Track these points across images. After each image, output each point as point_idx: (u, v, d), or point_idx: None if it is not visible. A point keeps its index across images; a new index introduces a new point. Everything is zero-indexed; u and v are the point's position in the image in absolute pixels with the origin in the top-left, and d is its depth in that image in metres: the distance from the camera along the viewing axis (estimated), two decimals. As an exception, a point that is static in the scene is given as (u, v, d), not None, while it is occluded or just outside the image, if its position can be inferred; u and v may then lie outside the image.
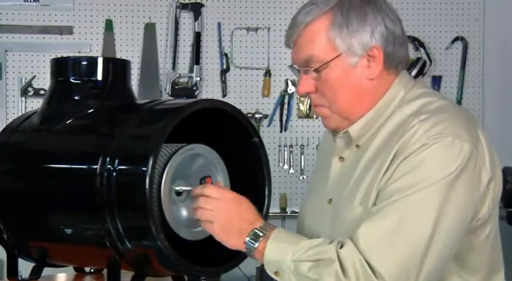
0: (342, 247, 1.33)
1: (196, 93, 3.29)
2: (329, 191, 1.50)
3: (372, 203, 1.38)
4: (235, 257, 1.52)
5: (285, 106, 3.35)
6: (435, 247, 1.32)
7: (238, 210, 1.42)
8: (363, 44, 1.42)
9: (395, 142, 1.39)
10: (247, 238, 1.40)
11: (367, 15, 1.42)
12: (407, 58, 1.50)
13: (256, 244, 1.39)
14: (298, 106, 3.36)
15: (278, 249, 1.37)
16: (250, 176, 1.65)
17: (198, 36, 3.31)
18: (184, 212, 1.54)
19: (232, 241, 1.42)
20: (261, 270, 2.80)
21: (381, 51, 1.42)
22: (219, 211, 1.42)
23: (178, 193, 1.55)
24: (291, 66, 1.52)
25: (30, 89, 3.23)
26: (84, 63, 1.67)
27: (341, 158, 1.50)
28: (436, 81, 3.43)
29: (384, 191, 1.36)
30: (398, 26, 1.45)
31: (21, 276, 1.68)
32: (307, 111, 3.36)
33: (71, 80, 1.64)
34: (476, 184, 1.37)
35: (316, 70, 1.44)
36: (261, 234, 1.40)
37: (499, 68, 3.41)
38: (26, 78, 3.24)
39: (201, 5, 3.32)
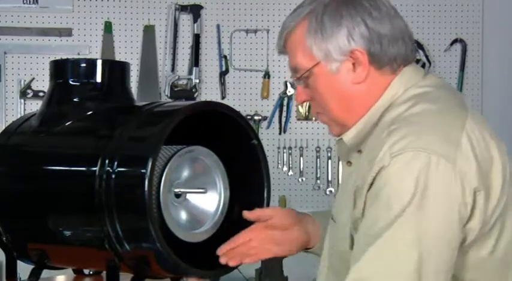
0: None
1: (195, 95, 3.29)
2: (336, 203, 1.46)
3: (347, 226, 1.34)
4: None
5: (284, 108, 3.35)
6: (427, 278, 1.22)
7: None
8: (340, 49, 1.35)
9: (368, 155, 1.31)
10: None
11: (342, 18, 1.35)
12: (405, 54, 1.39)
13: None
14: (298, 108, 3.36)
15: None
16: (249, 178, 1.65)
17: (197, 38, 3.31)
18: (183, 214, 1.54)
19: None
20: (260, 272, 2.80)
21: (364, 53, 1.34)
22: None
23: (177, 195, 1.54)
24: None
25: (29, 91, 3.22)
26: (83, 65, 1.66)
27: (349, 163, 1.44)
28: (435, 83, 3.43)
29: (362, 222, 1.28)
30: (387, 24, 1.36)
31: (20, 278, 1.68)
32: (307, 114, 3.36)
33: (70, 82, 1.64)
34: (455, 195, 1.24)
35: (302, 79, 1.40)
36: None
37: (498, 70, 3.41)
38: (25, 80, 3.23)
39: (200, 7, 3.32)
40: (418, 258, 1.22)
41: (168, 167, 1.49)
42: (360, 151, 1.40)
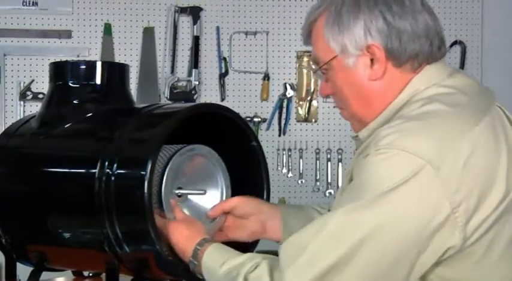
0: (253, 270, 1.26)
1: (194, 97, 3.29)
2: None
3: None
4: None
5: (284, 110, 3.35)
6: (354, 266, 1.17)
7: (176, 238, 1.44)
8: (356, 43, 1.30)
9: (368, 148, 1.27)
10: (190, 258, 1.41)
11: (360, 11, 1.30)
12: (429, 51, 1.33)
13: (196, 261, 1.40)
14: (297, 110, 3.36)
15: (212, 260, 1.37)
16: (249, 180, 1.65)
17: (196, 40, 3.31)
18: (186, 213, 1.54)
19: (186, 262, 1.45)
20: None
21: (381, 49, 1.30)
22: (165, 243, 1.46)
23: (179, 195, 1.55)
24: None
25: (28, 93, 3.22)
26: (83, 67, 1.66)
27: None
28: (435, 85, 3.43)
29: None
30: (409, 19, 1.30)
31: (20, 280, 1.68)
32: (306, 115, 3.35)
33: (70, 84, 1.64)
34: (427, 206, 1.17)
35: (322, 72, 1.37)
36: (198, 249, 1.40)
37: (497, 72, 3.41)
38: (24, 82, 3.23)
39: (200, 9, 3.32)
40: (352, 249, 1.17)
41: (169, 166, 1.49)
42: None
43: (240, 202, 1.58)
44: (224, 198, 1.61)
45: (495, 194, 1.22)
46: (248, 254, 1.34)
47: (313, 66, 1.40)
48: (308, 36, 1.39)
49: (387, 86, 1.33)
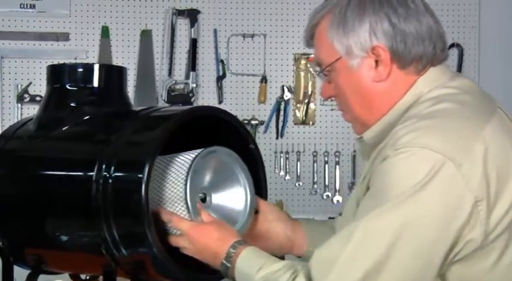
0: (294, 279, 1.26)
1: (192, 100, 3.29)
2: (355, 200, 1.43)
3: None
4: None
5: (281, 112, 3.35)
6: (388, 274, 1.18)
7: (206, 241, 1.41)
8: (361, 44, 1.31)
9: (380, 149, 1.28)
10: (223, 261, 1.39)
11: (365, 13, 1.31)
12: (433, 53, 1.33)
13: (229, 264, 1.38)
14: (295, 112, 3.36)
15: (246, 266, 1.35)
16: (246, 183, 1.65)
17: (194, 43, 3.31)
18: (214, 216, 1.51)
19: (213, 265, 1.43)
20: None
21: (386, 51, 1.31)
22: (190, 247, 1.44)
23: (203, 199, 1.53)
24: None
25: (26, 95, 3.22)
26: (80, 70, 1.66)
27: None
28: (432, 87, 3.43)
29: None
30: (413, 21, 1.31)
31: (17, 283, 1.68)
32: (304, 118, 3.36)
33: (67, 87, 1.64)
34: (452, 201, 1.19)
35: (325, 73, 1.37)
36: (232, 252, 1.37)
37: (494, 75, 3.41)
38: (22, 85, 3.23)
39: (198, 12, 3.32)
40: (387, 251, 1.18)
41: (191, 170, 1.46)
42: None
43: (266, 203, 1.59)
44: (248, 199, 1.57)
45: (508, 194, 1.23)
46: (285, 262, 1.31)
47: (316, 68, 1.40)
48: (310, 38, 1.39)
49: (391, 88, 1.33)
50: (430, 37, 1.33)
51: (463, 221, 1.20)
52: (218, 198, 1.55)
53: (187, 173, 1.45)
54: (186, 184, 1.45)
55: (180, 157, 1.49)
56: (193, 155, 1.49)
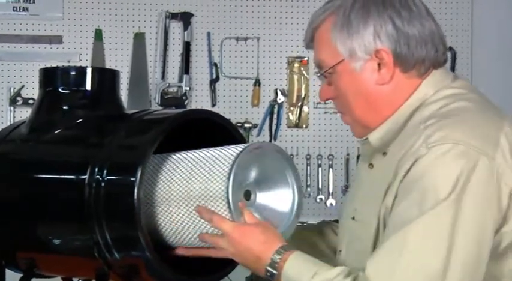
0: None
1: (185, 103, 3.29)
2: (355, 203, 1.42)
3: (379, 221, 1.29)
4: (225, 267, 1.52)
5: (275, 116, 3.35)
6: (452, 274, 1.18)
7: (249, 244, 1.34)
8: (365, 47, 1.31)
9: (401, 149, 1.27)
10: (267, 267, 1.32)
11: (370, 16, 1.30)
12: (435, 57, 1.34)
13: (275, 271, 1.31)
14: (288, 116, 3.37)
15: (295, 272, 1.29)
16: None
17: (187, 46, 3.31)
18: (256, 216, 1.42)
19: (253, 269, 1.37)
20: (251, 279, 2.79)
21: (390, 54, 1.31)
22: (230, 248, 1.36)
23: (247, 196, 1.42)
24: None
25: (19, 98, 3.22)
26: (73, 73, 1.66)
27: (370, 165, 1.40)
28: (425, 91, 3.44)
29: (391, 215, 1.25)
30: (416, 24, 1.31)
31: (9, 287, 1.68)
32: (297, 121, 3.36)
33: (60, 90, 1.64)
34: (491, 195, 1.21)
35: (325, 75, 1.36)
36: (277, 259, 1.30)
37: (487, 79, 3.42)
38: (14, 88, 3.23)
39: (191, 15, 3.32)
40: (447, 253, 1.18)
41: (235, 166, 1.35)
42: (385, 153, 1.36)
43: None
44: (296, 201, 1.46)
45: None
46: (340, 267, 1.27)
47: (316, 70, 1.39)
48: (311, 40, 1.38)
49: (394, 91, 1.33)
50: (433, 40, 1.34)
51: (503, 213, 1.22)
52: (262, 197, 1.44)
53: (231, 169, 1.35)
54: (228, 181, 1.34)
55: (223, 151, 1.40)
56: (238, 150, 1.38)
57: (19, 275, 1.66)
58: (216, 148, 1.45)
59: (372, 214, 1.32)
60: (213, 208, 1.38)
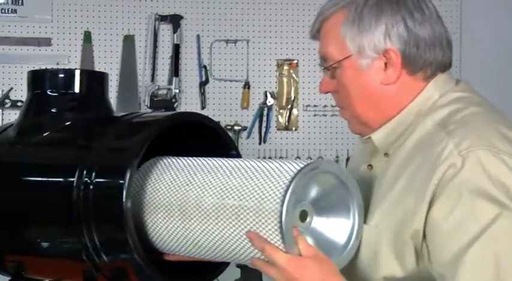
0: None
1: (175, 106, 3.29)
2: None
3: (396, 226, 1.24)
4: (215, 270, 1.52)
5: (264, 118, 3.35)
6: None
7: (308, 279, 1.22)
8: (375, 45, 1.29)
9: (422, 155, 1.25)
10: None
11: (382, 14, 1.29)
12: (442, 60, 1.35)
13: None
14: (277, 118, 3.37)
15: None
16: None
17: (177, 48, 3.31)
18: (309, 241, 1.28)
19: None
20: (240, 283, 2.79)
21: (398, 55, 1.30)
22: (282, 280, 1.23)
23: (303, 218, 1.28)
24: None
25: (7, 100, 3.21)
26: (62, 75, 1.65)
27: (369, 166, 1.38)
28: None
29: (441, 230, 1.20)
30: (427, 27, 1.31)
31: (-3, 290, 1.67)
32: (286, 124, 3.36)
33: (48, 93, 1.63)
34: None
35: (330, 69, 1.34)
36: None
37: (476, 80, 3.42)
38: (3, 90, 3.22)
39: (180, 17, 3.32)
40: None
41: (290, 190, 1.19)
42: (386, 154, 1.34)
43: None
44: (355, 231, 1.31)
45: None
46: None
47: (321, 62, 1.38)
48: (317, 31, 1.36)
49: (398, 92, 1.33)
50: (441, 44, 1.34)
51: None
52: (318, 222, 1.29)
53: (284, 195, 1.19)
54: (282, 208, 1.18)
55: (273, 167, 1.25)
56: (293, 173, 1.22)
57: (7, 279, 1.65)
58: (271, 160, 1.32)
59: (384, 219, 1.29)
60: (265, 234, 1.22)
